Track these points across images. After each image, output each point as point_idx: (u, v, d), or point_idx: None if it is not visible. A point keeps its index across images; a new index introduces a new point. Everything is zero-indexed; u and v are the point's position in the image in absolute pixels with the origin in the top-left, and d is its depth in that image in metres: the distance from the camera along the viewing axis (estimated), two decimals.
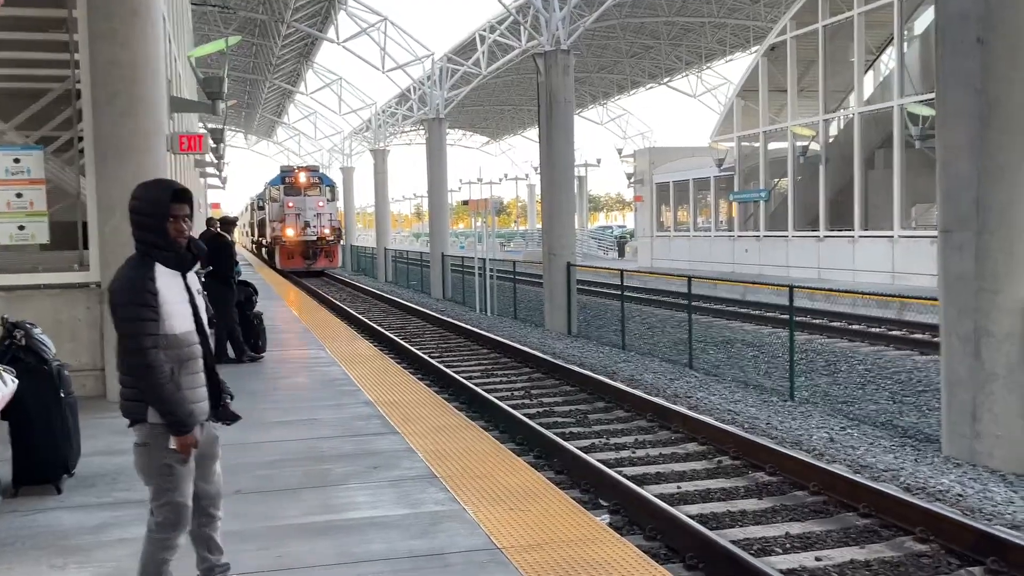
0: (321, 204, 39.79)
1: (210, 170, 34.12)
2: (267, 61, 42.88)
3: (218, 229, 12.73)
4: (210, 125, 30.41)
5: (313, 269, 39.65)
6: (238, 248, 25.12)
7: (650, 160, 41.22)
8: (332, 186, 42.16)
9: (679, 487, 7.64)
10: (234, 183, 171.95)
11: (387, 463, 6.59)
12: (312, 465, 6.60)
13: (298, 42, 39.68)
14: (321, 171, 46.51)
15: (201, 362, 3.93)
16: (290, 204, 39.25)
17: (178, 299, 3.82)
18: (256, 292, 12.98)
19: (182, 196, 3.84)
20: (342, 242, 42.29)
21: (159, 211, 3.76)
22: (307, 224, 39.15)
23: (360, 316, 21.80)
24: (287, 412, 8.58)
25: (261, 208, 46.02)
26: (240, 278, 12.44)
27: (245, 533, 5.12)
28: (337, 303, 26.06)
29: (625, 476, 7.65)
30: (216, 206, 54.55)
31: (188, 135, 12.87)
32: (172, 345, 3.77)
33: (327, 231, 39.80)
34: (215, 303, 11.61)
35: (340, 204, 47.38)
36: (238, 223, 58.00)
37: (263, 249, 45.98)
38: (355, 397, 9.22)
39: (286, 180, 40.49)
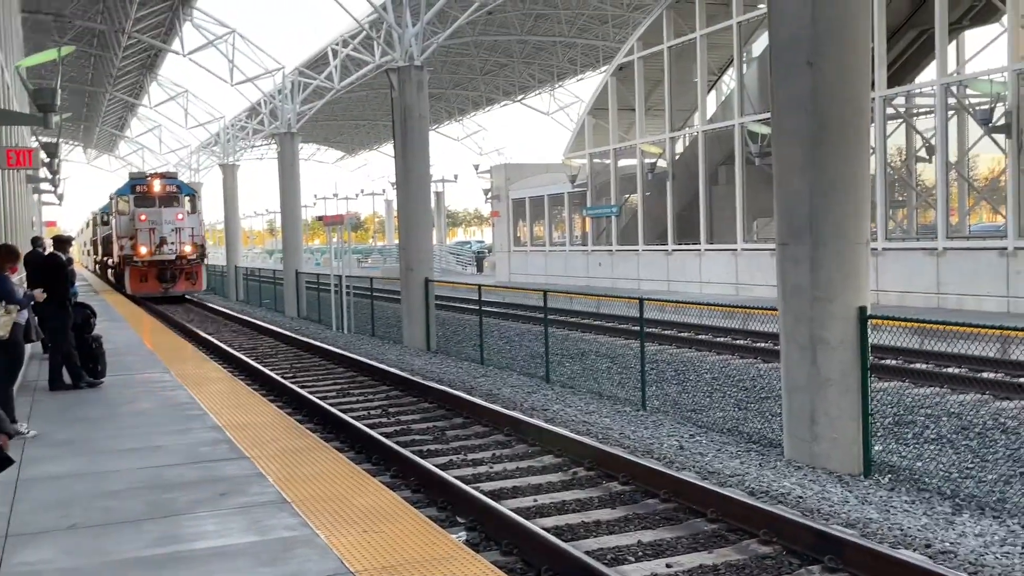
0: (180, 216, 33.45)
1: (44, 186, 32.35)
2: (107, 72, 41.04)
3: (43, 248, 12.05)
4: (44, 139, 28.82)
5: (172, 294, 33.78)
6: (76, 268, 23.87)
7: (506, 176, 41.67)
8: (193, 195, 35.76)
9: (535, 500, 7.69)
10: (72, 200, 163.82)
11: (236, 489, 6.36)
12: (156, 494, 6.30)
13: (140, 53, 38.16)
14: (179, 179, 40.69)
15: None
16: (142, 217, 32.80)
17: None
18: (94, 314, 12.36)
19: None
20: (207, 261, 36.14)
21: None
22: (163, 240, 33.03)
23: (209, 337, 21.06)
24: (129, 439, 8.18)
25: (106, 223, 39.15)
26: (77, 299, 11.81)
27: (80, 570, 4.83)
28: (185, 324, 25.11)
29: (482, 491, 7.65)
30: (52, 224, 51.76)
31: (16, 149, 12.13)
32: None
33: (188, 248, 33.44)
34: (50, 326, 11.09)
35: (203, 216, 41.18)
36: (76, 241, 54.91)
37: (110, 271, 38.86)
38: (202, 421, 8.88)
39: (137, 189, 34.28)
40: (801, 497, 7.70)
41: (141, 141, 57.60)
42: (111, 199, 36.48)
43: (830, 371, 8.72)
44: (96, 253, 48.95)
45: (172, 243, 33.24)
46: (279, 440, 7.93)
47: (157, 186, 34.24)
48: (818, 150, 8.76)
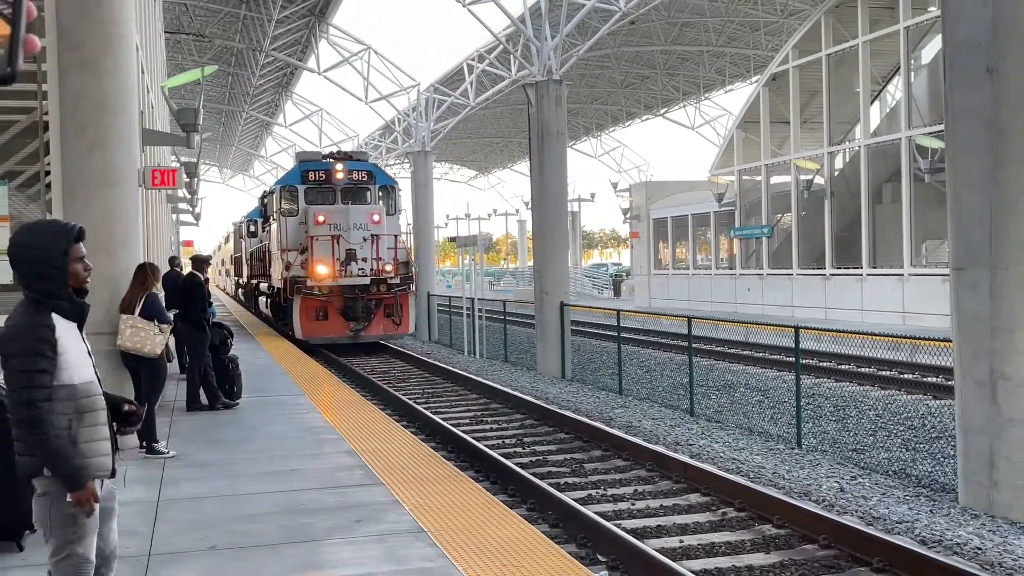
0: (377, 218, 23.19)
1: (183, 206, 34.21)
2: (244, 91, 43.18)
3: (180, 268, 12.72)
4: (183, 158, 30.52)
5: (364, 339, 23.37)
6: (212, 288, 25.22)
7: (647, 194, 41.52)
8: (393, 187, 25.08)
9: (681, 540, 7.61)
10: (208, 219, 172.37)
11: (371, 516, 6.55)
12: (292, 519, 6.56)
13: (277, 72, 39.99)
14: (372, 161, 30.60)
15: (105, 414, 3.85)
16: (319, 218, 22.72)
17: (77, 348, 3.75)
18: (231, 335, 12.97)
19: (82, 236, 3.79)
20: (414, 287, 24.56)
21: (59, 255, 3.67)
22: (352, 255, 22.64)
23: (340, 359, 21.75)
24: (265, 462, 8.54)
25: (254, 234, 30.41)
26: (214, 319, 12.43)
27: None
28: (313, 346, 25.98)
29: (624, 529, 7.62)
30: (189, 243, 54.58)
31: (161, 169, 12.90)
32: (72, 396, 3.70)
33: (389, 268, 23.08)
34: (187, 346, 11.70)
35: (405, 220, 31.01)
36: (213, 260, 57.16)
37: (263, 300, 29.25)
38: (337, 446, 9.18)
39: (310, 177, 23.98)
40: (979, 548, 7.35)
41: (276, 160, 60.20)
42: (266, 196, 27.83)
43: (1012, 411, 8.31)
44: (240, 274, 39.58)
45: (365, 259, 22.70)
46: (414, 468, 8.12)
47: (342, 171, 23.92)
48: (998, 165, 8.40)
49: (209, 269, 14.44)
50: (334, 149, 30.12)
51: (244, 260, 36.19)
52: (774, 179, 33.38)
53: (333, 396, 12.79)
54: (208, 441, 9.73)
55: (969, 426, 8.66)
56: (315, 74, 34.83)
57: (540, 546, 5.84)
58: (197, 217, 38.80)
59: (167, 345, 9.88)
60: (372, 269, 22.82)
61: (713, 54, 42.70)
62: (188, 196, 30.19)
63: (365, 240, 22.82)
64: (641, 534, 7.69)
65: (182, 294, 11.85)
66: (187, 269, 13.99)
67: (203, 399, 11.76)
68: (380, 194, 24.31)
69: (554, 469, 10.43)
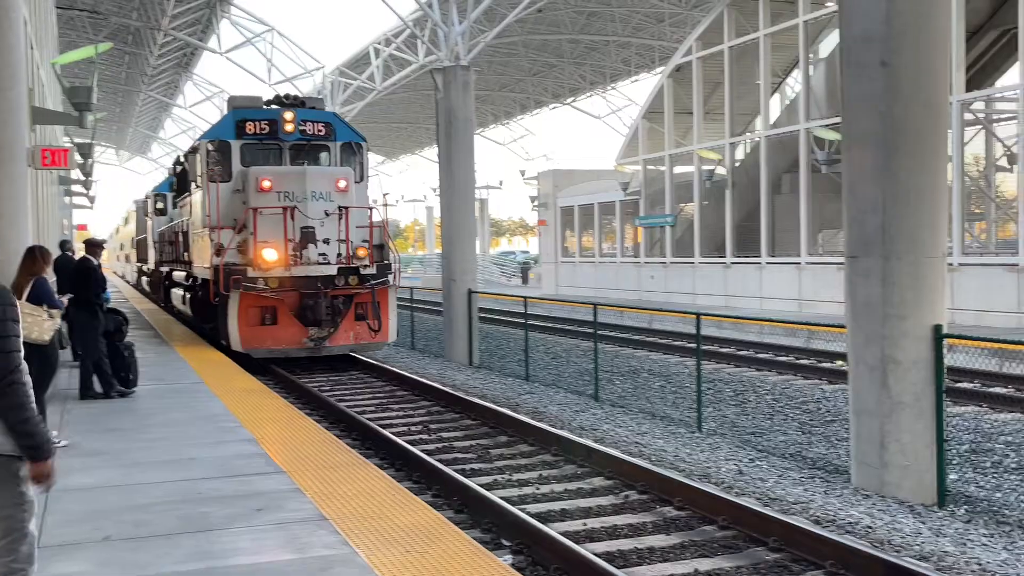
0: (344, 184, 17.15)
1: (76, 188, 33.09)
2: (141, 71, 41.91)
3: (72, 252, 12.31)
4: (77, 139, 29.50)
5: (328, 351, 17.05)
6: (108, 274, 24.30)
7: (554, 183, 41.75)
8: (359, 146, 18.69)
9: (585, 524, 7.68)
10: (104, 202, 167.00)
11: (272, 504, 6.44)
12: (190, 508, 6.41)
13: (176, 52, 38.94)
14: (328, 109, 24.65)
15: None
16: (265, 184, 16.56)
17: None
18: (127, 321, 12.60)
19: None
20: (392, 278, 17.81)
21: None
22: (310, 234, 16.70)
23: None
24: (162, 451, 8.33)
25: (162, 212, 26.14)
26: (109, 305, 12.06)
27: None
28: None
29: (528, 513, 7.66)
30: (83, 227, 52.88)
31: (51, 149, 12.45)
32: None
33: (362, 252, 17.13)
34: (80, 333, 11.32)
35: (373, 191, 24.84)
36: (108, 244, 55.16)
37: (175, 294, 22.66)
38: (237, 434, 9.01)
39: (249, 128, 17.64)
40: (870, 527, 7.60)
41: (175, 143, 58.66)
42: (182, 160, 21.30)
43: (902, 394, 8.61)
44: (144, 259, 33.63)
45: (328, 241, 16.78)
46: (317, 455, 8.02)
47: (292, 121, 17.67)
48: (892, 156, 8.68)
49: (104, 254, 13.98)
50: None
51: (150, 243, 30.32)
52: (678, 169, 33.92)
53: (234, 384, 12.54)
54: (102, 430, 9.44)
55: (861, 409, 8.95)
56: (217, 55, 34.04)
57: (445, 532, 5.83)
58: (92, 200, 37.60)
59: (59, 331, 9.55)
60: (339, 254, 16.67)
61: (620, 44, 43.13)
62: (83, 178, 29.20)
63: (329, 215, 16.55)
64: (545, 518, 7.74)
65: (74, 279, 11.46)
66: (80, 253, 13.53)
67: (97, 387, 11.41)
68: (342, 154, 18.03)
69: (460, 455, 10.42)
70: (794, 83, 32.28)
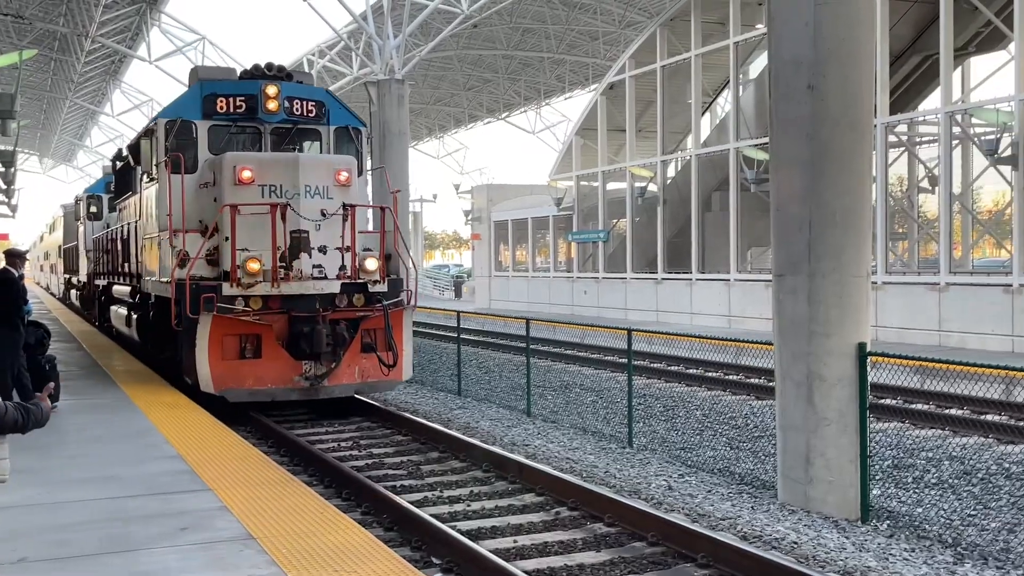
0: (346, 176, 13.31)
1: None
2: (68, 78, 41.02)
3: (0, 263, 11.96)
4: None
5: (328, 393, 13.03)
6: (31, 285, 23.56)
7: (488, 197, 41.84)
8: (358, 132, 14.94)
9: (515, 541, 7.68)
10: (26, 212, 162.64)
11: (198, 523, 6.32)
12: (113, 527, 6.26)
13: (104, 59, 38.21)
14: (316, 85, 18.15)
15: None
16: (245, 173, 12.81)
17: None
18: (48, 335, 12.28)
19: None
20: (407, 297, 14.42)
21: None
22: (302, 240, 12.80)
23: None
24: (84, 468, 8.12)
25: (96, 216, 22.93)
26: (30, 318, 11.74)
27: None
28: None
29: (459, 531, 7.63)
30: (4, 237, 51.43)
31: None
32: None
33: (372, 264, 13.39)
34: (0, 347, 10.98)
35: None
36: (30, 255, 53.39)
37: (115, 313, 19.06)
38: (162, 451, 8.82)
39: (220, 105, 13.90)
40: (796, 543, 7.72)
41: (102, 151, 57.49)
42: (127, 152, 17.08)
43: (827, 410, 8.77)
44: (73, 270, 30.17)
45: (326, 248, 13.22)
46: (244, 472, 7.89)
47: (276, 98, 13.98)
48: (818, 178, 8.86)
49: (25, 265, 13.61)
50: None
51: (82, 251, 26.16)
52: (610, 185, 34.24)
53: (158, 398, 12.29)
54: (21, 447, 9.11)
55: (788, 425, 9.09)
56: (146, 63, 33.45)
57: (373, 550, 5.77)
58: (13, 209, 36.57)
59: None
60: (341, 267, 13.09)
61: (554, 61, 43.47)
62: (4, 187, 28.44)
63: (327, 216, 12.83)
64: (476, 535, 7.72)
65: None
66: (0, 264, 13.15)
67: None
68: (336, 142, 14.44)
69: (391, 472, 10.35)
70: (724, 103, 32.84)
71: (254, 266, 12.25)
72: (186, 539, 5.97)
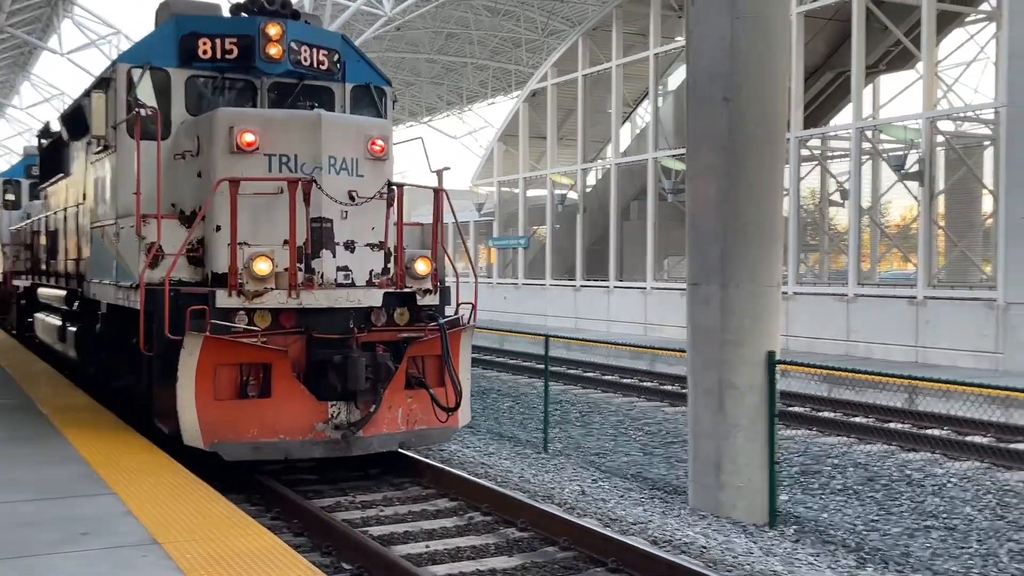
0: (381, 145, 9.69)
1: None
2: None
3: None
4: None
5: (366, 447, 9.22)
6: None
7: (409, 200, 41.57)
8: (383, 92, 11.44)
9: (428, 546, 7.63)
10: None
11: (100, 528, 6.13)
12: (9, 533, 6.02)
13: (13, 50, 37.00)
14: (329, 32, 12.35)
15: None
16: (247, 136, 9.13)
17: None
18: None
19: None
20: (466, 314, 10.69)
21: None
22: (324, 232, 9.23)
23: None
24: None
25: (13, 204, 20.69)
26: None
27: None
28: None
29: (371, 536, 7.56)
30: None
31: None
32: None
33: (422, 267, 9.89)
34: None
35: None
36: None
37: (42, 326, 15.34)
38: (63, 452, 8.54)
39: (203, 50, 10.17)
40: (705, 547, 7.83)
41: (9, 146, 55.68)
42: (77, 107, 11.99)
43: (738, 417, 8.93)
44: None
45: (355, 245, 9.52)
46: (149, 475, 7.68)
47: (279, 41, 10.14)
48: (733, 189, 9.03)
49: None
50: None
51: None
52: (531, 192, 34.40)
53: (62, 400, 11.90)
54: None
55: (699, 431, 9.23)
56: (57, 55, 32.52)
57: (282, 556, 5.67)
58: None
59: None
60: (385, 271, 9.80)
61: (477, 66, 43.53)
62: None
63: (356, 199, 9.33)
64: (388, 540, 7.66)
65: None
66: None
67: None
68: (353, 104, 11.10)
69: (302, 476, 10.19)
70: (644, 113, 33.26)
71: (264, 267, 8.74)
72: (87, 544, 5.77)
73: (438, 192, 10.33)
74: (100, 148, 10.77)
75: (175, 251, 9.04)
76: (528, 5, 36.01)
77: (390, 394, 9.21)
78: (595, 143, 32.58)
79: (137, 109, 9.56)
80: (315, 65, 10.57)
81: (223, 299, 8.76)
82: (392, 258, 9.78)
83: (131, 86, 10.04)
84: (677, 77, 30.08)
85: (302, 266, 8.95)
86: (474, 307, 10.71)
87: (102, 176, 10.95)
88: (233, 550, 5.72)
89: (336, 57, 10.85)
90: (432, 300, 10.04)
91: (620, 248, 29.24)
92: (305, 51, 10.49)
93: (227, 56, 10.21)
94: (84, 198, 11.99)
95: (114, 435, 9.37)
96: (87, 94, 11.03)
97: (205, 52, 10.20)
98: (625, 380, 18.26)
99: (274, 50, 10.13)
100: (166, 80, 10.19)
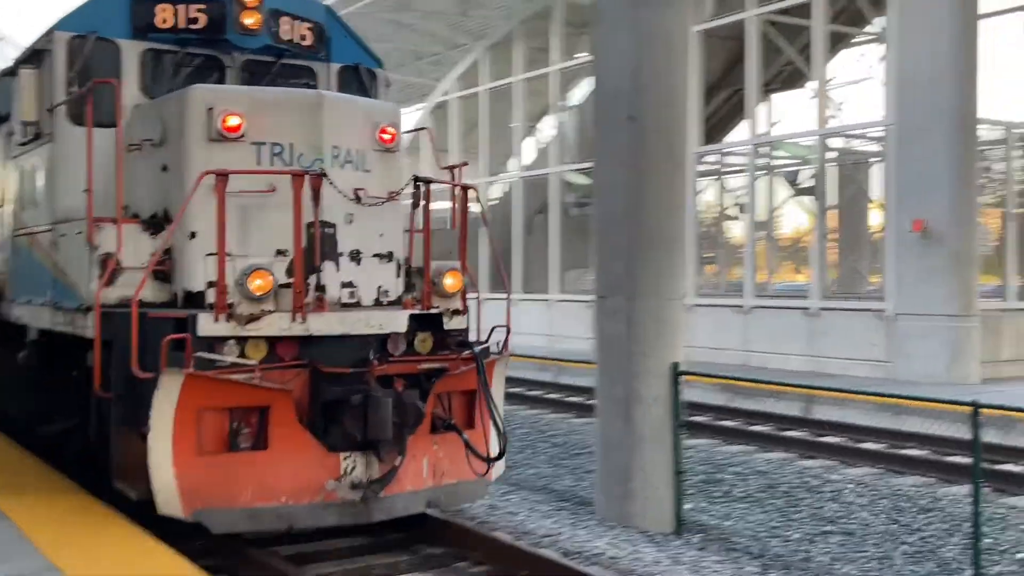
0: (391, 134, 7.96)
1: None
2: None
3: None
4: None
5: (389, 510, 7.33)
6: None
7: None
8: (374, 75, 9.58)
9: (339, 564, 7.53)
10: None
11: None
12: None
13: None
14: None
15: None
16: (231, 120, 7.27)
17: None
18: None
19: None
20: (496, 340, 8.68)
21: None
22: (328, 240, 7.37)
23: None
24: None
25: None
26: None
27: None
28: None
29: (281, 556, 7.43)
30: None
31: None
32: None
33: (451, 282, 8.23)
34: None
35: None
36: None
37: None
38: None
39: (163, 18, 8.30)
40: (614, 557, 7.93)
41: None
42: (5, 77, 9.48)
43: (645, 427, 9.07)
44: None
45: (361, 255, 7.65)
46: (49, 499, 7.42)
47: (253, 8, 8.39)
48: (638, 204, 9.19)
49: None
50: None
51: None
52: (435, 205, 34.30)
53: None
54: None
55: (607, 442, 9.35)
56: None
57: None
58: None
59: None
60: (382, 290, 7.86)
61: None
62: None
63: (363, 202, 7.61)
64: (300, 559, 7.54)
65: None
66: None
67: None
68: (341, 87, 9.25)
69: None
70: (547, 128, 33.55)
71: (261, 283, 6.93)
72: None
73: (465, 189, 8.66)
74: (28, 138, 8.74)
75: (135, 264, 7.22)
76: (433, 17, 36.08)
77: (414, 440, 7.33)
78: (500, 156, 32.73)
79: (92, 83, 7.55)
80: (297, 40, 8.87)
81: (207, 325, 6.79)
82: (402, 270, 8.09)
83: (72, 61, 8.17)
84: (579, 92, 30.45)
85: (310, 281, 7.17)
86: (508, 331, 8.89)
87: (29, 172, 9.00)
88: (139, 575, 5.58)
89: (321, 32, 9.11)
90: (460, 323, 8.34)
91: (525, 260, 29.40)
92: (286, 24, 8.77)
93: (192, 26, 8.38)
94: (3, 200, 10.09)
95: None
96: (10, 72, 9.30)
97: (164, 21, 8.39)
98: (532, 392, 18.33)
99: (250, 19, 8.41)
100: (116, 53, 8.29)
